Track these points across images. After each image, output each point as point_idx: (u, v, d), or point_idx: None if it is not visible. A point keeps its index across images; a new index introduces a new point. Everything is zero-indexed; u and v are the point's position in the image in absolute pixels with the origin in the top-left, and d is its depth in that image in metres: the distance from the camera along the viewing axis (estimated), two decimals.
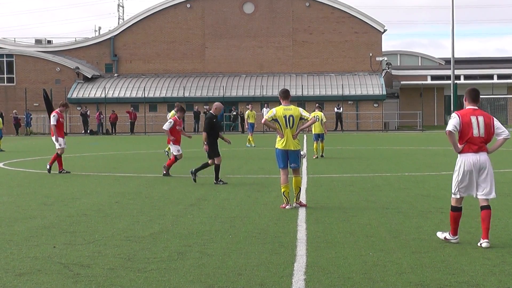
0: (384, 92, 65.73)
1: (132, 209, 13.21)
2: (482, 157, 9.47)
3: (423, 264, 8.24)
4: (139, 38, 70.21)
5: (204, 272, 7.97)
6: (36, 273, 8.00)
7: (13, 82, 68.93)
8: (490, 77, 72.58)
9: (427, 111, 71.12)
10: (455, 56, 62.77)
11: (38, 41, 74.23)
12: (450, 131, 9.40)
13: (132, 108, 64.20)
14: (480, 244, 9.19)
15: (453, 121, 9.47)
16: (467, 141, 9.42)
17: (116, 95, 67.19)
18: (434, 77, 72.86)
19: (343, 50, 69.20)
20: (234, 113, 63.77)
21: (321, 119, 26.62)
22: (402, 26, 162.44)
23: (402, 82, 70.74)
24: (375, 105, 65.31)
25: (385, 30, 69.50)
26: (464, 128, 9.41)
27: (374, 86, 66.06)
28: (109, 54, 70.68)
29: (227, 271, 7.99)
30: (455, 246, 9.30)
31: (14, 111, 64.16)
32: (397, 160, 25.67)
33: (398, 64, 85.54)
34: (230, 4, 69.46)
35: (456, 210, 9.53)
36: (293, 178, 13.31)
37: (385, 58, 71.66)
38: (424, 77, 72.13)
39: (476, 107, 9.61)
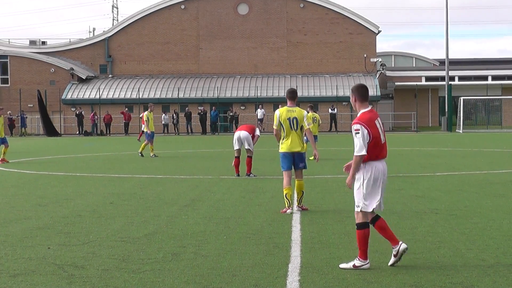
0: (379, 93, 65.81)
1: (127, 210, 13.19)
2: (385, 165, 8.24)
3: (417, 265, 8.24)
4: (133, 39, 70.18)
5: (199, 273, 7.97)
6: (31, 274, 7.99)
7: (8, 83, 68.84)
8: (485, 78, 72.78)
9: (422, 112, 71.23)
10: (451, 57, 62.91)
11: (33, 42, 74.15)
12: (362, 155, 7.96)
13: (126, 109, 64.15)
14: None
15: (363, 139, 7.96)
16: (376, 150, 8.13)
17: (110, 96, 67.15)
18: (428, 78, 73.02)
19: (337, 51, 69.27)
20: (231, 114, 63.73)
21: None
22: (404, 26, 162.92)
23: (396, 83, 70.85)
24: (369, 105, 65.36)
25: (379, 31, 69.60)
26: (374, 139, 8.04)
27: (369, 87, 65.66)
28: (103, 55, 70.62)
29: (221, 272, 7.98)
30: (450, 247, 9.30)
31: (8, 112, 64.06)
32: (391, 161, 25.65)
33: (393, 65, 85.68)
34: (224, 5, 69.48)
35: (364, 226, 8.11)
36: (296, 181, 12.98)
37: (380, 59, 71.78)
38: (418, 78, 72.30)
39: (370, 107, 8.30)
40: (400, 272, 7.92)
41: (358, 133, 7.98)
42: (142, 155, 29.13)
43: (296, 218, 11.95)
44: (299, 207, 12.92)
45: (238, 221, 11.63)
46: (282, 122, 12.83)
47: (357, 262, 8.07)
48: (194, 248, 9.39)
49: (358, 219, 8.15)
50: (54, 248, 9.46)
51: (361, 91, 8.25)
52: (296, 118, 12.83)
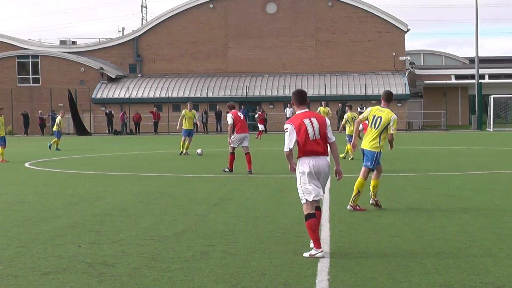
0: (408, 92, 65.44)
1: (156, 208, 13.26)
2: (322, 161, 9.01)
3: (447, 265, 8.19)
4: (162, 38, 70.44)
5: (228, 271, 7.99)
6: (61, 272, 8.07)
7: (39, 83, 69.43)
8: None
9: (451, 111, 70.71)
10: (482, 55, 62.40)
11: (63, 42, 74.73)
12: (287, 151, 8.95)
13: (155, 108, 64.44)
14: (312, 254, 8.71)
15: (289, 137, 8.92)
16: (305, 146, 8.94)
17: (139, 95, 67.47)
18: (458, 77, 72.39)
19: (366, 49, 68.97)
20: (260, 112, 63.63)
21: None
22: (436, 24, 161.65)
23: (425, 82, 70.38)
24: (398, 104, 64.98)
25: (408, 30, 69.20)
26: (300, 136, 8.90)
27: (398, 85, 65.76)
28: (132, 54, 70.97)
29: (250, 271, 8.00)
30: (480, 246, 9.23)
31: (39, 111, 64.63)
32: (420, 160, 25.54)
33: (422, 64, 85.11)
34: (252, 4, 69.49)
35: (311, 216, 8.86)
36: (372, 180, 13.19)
37: (409, 58, 71.34)
38: (448, 77, 71.70)
39: (307, 110, 9.10)
40: (430, 271, 7.88)
41: (286, 131, 8.97)
42: (187, 154, 29.79)
43: (325, 217, 11.92)
44: (374, 199, 13.12)
45: (266, 220, 11.65)
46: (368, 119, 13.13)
47: (312, 251, 8.67)
48: (223, 247, 9.41)
49: (304, 211, 8.94)
50: (85, 247, 9.54)
51: (296, 96, 9.14)
52: (380, 117, 13.18)
